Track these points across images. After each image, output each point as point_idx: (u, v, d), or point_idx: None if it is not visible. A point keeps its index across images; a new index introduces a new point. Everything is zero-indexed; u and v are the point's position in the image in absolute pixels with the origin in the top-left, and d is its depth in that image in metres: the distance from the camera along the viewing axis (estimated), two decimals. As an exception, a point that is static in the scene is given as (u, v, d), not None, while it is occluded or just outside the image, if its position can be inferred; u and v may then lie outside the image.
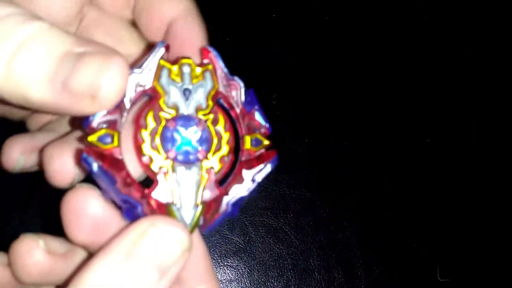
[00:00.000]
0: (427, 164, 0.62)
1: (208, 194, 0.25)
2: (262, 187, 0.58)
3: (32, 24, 0.21)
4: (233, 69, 0.27)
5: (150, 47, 0.29)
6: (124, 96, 0.24)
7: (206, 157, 0.25)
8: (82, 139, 0.26)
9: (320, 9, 0.65)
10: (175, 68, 0.26)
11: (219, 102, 0.27)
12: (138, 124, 0.24)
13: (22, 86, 0.21)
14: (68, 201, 0.24)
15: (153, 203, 0.24)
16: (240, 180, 0.25)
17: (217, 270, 0.56)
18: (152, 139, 0.24)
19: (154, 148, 0.24)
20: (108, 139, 0.23)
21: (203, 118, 0.25)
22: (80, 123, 0.23)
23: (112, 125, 0.23)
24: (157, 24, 0.30)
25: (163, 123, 0.25)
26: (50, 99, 0.21)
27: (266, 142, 0.27)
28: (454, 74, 0.65)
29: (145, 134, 0.24)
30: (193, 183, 0.24)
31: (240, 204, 0.25)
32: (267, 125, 0.27)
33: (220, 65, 0.26)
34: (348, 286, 0.57)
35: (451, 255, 0.59)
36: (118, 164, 0.23)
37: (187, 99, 0.25)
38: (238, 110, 0.27)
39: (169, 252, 0.22)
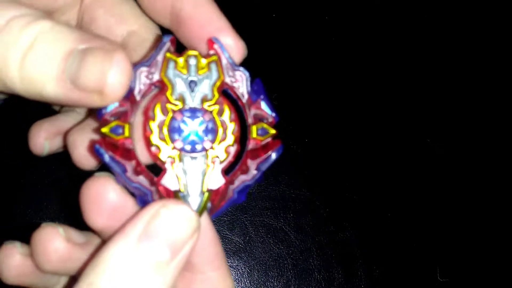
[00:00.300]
0: (427, 164, 0.62)
1: (214, 183, 0.26)
2: (262, 187, 0.59)
3: (36, 26, 0.23)
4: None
5: (157, 40, 0.31)
6: (134, 89, 0.26)
7: (211, 147, 0.27)
8: (97, 130, 0.27)
9: (320, 9, 0.66)
10: (181, 60, 0.27)
11: (226, 92, 0.28)
12: (147, 116, 0.26)
13: (36, 85, 0.23)
14: (88, 189, 0.25)
15: (162, 189, 0.25)
16: (246, 169, 0.27)
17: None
18: (160, 130, 0.26)
19: (162, 138, 0.26)
20: (120, 130, 0.25)
21: (208, 109, 0.27)
22: (94, 113, 0.25)
23: (123, 116, 0.25)
24: (160, 5, 0.30)
25: (170, 114, 0.26)
26: (63, 95, 0.23)
27: (272, 131, 0.28)
28: (454, 74, 0.65)
29: (153, 125, 0.26)
30: (199, 172, 0.26)
31: (246, 192, 0.26)
32: (274, 114, 0.28)
33: (225, 56, 0.28)
34: (348, 286, 0.57)
35: (451, 255, 0.59)
36: (129, 154, 0.25)
37: (192, 90, 0.27)
38: (244, 100, 0.28)
39: (180, 231, 0.23)
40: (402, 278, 0.59)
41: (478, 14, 0.68)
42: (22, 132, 0.54)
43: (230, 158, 0.27)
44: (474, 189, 0.62)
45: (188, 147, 0.26)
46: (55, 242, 0.27)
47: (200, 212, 0.26)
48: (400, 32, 0.66)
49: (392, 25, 0.67)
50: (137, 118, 0.27)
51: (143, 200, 0.25)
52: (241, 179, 0.27)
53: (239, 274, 0.57)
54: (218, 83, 0.27)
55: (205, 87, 0.27)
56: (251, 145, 0.28)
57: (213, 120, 0.27)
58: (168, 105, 0.26)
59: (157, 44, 0.27)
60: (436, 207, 0.61)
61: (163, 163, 0.26)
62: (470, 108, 0.64)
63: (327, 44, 0.65)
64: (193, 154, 0.26)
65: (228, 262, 0.57)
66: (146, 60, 0.26)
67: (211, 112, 0.27)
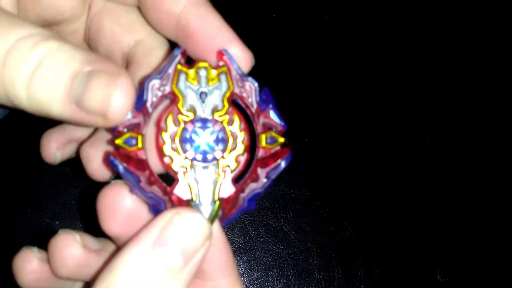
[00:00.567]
0: (427, 164, 0.63)
1: (225, 191, 0.28)
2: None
3: (43, 47, 0.24)
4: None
5: (168, 54, 0.32)
6: (147, 101, 0.27)
7: (222, 156, 0.28)
8: (111, 141, 0.29)
9: (320, 9, 0.66)
10: (191, 71, 0.28)
11: (236, 102, 0.29)
12: (159, 127, 0.27)
13: (43, 104, 0.24)
14: (104, 196, 0.27)
15: (174, 199, 0.27)
16: (256, 177, 0.28)
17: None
18: (172, 141, 0.27)
19: (174, 149, 0.27)
20: (133, 141, 0.26)
21: (219, 119, 0.28)
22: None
23: (136, 128, 0.26)
24: (166, 20, 0.31)
25: (182, 125, 0.28)
26: (68, 115, 0.24)
27: (281, 140, 0.29)
28: (454, 74, 0.66)
29: (166, 136, 0.27)
30: (210, 181, 0.27)
31: (256, 199, 0.28)
32: (282, 123, 0.29)
33: (234, 67, 0.29)
34: (348, 286, 0.58)
35: (451, 255, 0.60)
36: (142, 164, 0.26)
37: (203, 101, 0.28)
38: (253, 109, 0.29)
39: (193, 238, 0.25)
40: (402, 278, 0.59)
41: (478, 14, 0.68)
42: (22, 132, 0.55)
43: (241, 167, 0.28)
44: (474, 189, 0.63)
45: (199, 157, 0.27)
46: (72, 248, 0.29)
47: (211, 220, 0.27)
48: (400, 32, 0.67)
49: (392, 25, 0.67)
50: (150, 129, 0.28)
51: (156, 209, 0.26)
52: (251, 188, 0.28)
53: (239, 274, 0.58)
54: (228, 94, 0.28)
55: (215, 98, 0.28)
56: (260, 153, 0.29)
57: (223, 130, 0.28)
58: (180, 116, 0.28)
59: (168, 56, 0.28)
60: (436, 207, 0.61)
61: (176, 173, 0.27)
62: (470, 108, 0.65)
63: (327, 44, 0.66)
64: (205, 164, 0.28)
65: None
66: (157, 73, 0.27)
67: (221, 122, 0.28)
